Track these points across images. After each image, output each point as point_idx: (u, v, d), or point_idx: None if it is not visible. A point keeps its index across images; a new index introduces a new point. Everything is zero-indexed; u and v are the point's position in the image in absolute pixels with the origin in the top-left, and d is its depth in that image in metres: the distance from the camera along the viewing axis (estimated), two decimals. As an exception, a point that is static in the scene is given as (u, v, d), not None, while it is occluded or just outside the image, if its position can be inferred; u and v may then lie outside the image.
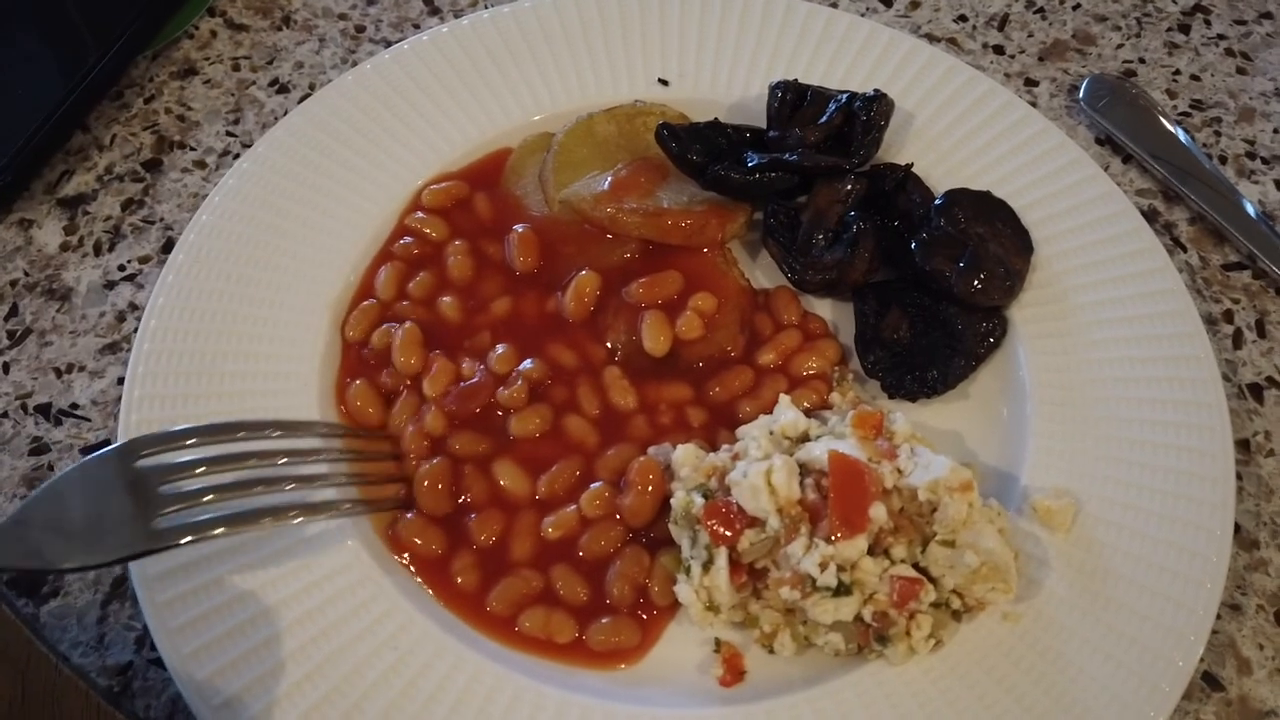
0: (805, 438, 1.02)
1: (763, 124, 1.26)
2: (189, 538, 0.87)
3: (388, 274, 1.16)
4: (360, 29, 1.49)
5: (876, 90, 1.22)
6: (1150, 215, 1.31)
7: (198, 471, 0.90)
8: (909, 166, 1.21)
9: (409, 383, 1.10)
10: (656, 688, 0.95)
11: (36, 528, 0.83)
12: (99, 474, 0.87)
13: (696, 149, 1.19)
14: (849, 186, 1.18)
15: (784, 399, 1.05)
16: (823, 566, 0.90)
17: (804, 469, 0.96)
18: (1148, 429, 1.05)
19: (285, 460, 0.95)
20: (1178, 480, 1.01)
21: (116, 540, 0.85)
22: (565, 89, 1.30)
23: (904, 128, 1.27)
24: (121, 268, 1.23)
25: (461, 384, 1.08)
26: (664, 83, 1.31)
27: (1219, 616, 1.03)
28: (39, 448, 1.10)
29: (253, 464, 0.93)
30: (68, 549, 0.83)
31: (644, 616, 0.98)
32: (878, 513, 0.91)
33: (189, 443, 0.91)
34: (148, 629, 0.93)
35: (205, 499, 0.89)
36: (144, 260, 1.24)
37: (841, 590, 0.90)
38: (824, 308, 1.19)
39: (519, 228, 1.19)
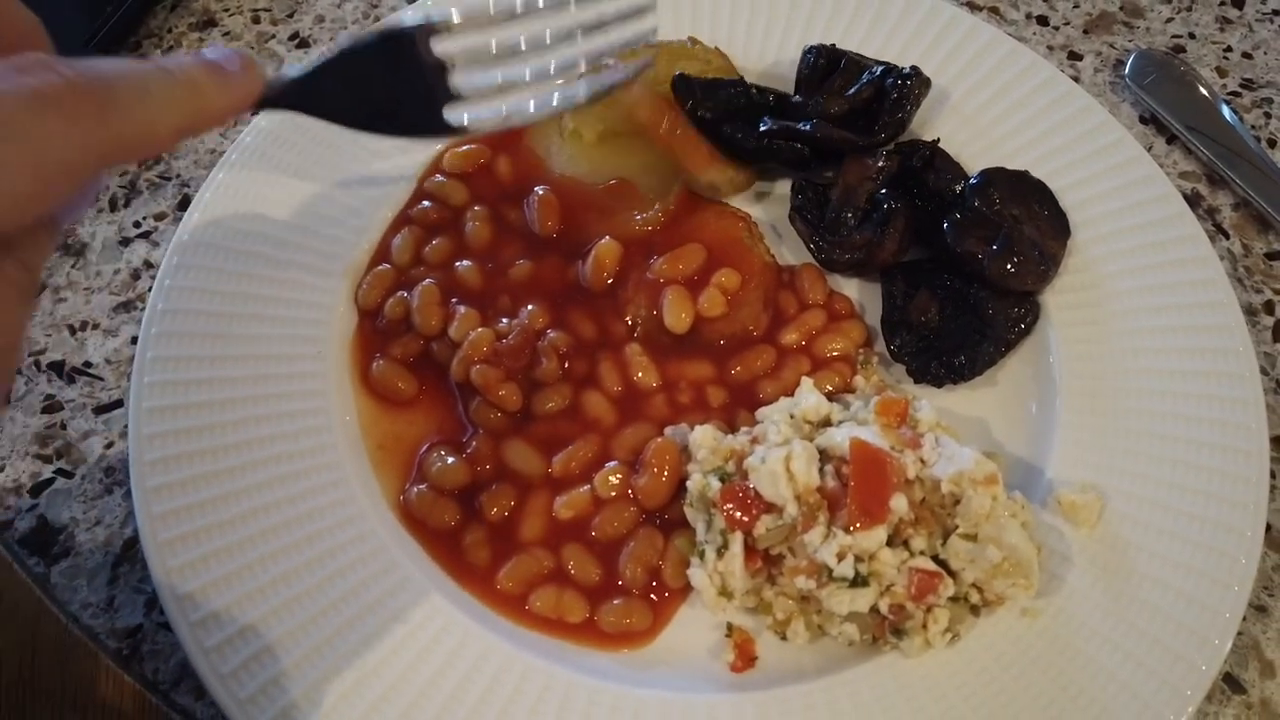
0: (827, 422, 0.99)
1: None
2: (479, 126, 0.88)
3: (404, 239, 1.13)
4: (385, -22, 1.45)
5: (913, 67, 1.18)
6: (1193, 199, 1.27)
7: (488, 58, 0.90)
8: (935, 142, 1.17)
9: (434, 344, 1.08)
10: (667, 671, 0.94)
11: (338, 84, 0.83)
12: (398, 49, 0.86)
13: (709, 105, 1.15)
14: (880, 163, 1.15)
15: (806, 382, 1.03)
16: (840, 557, 0.88)
17: (824, 455, 0.94)
18: (1181, 424, 1.02)
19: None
20: (1209, 478, 0.98)
21: (415, 119, 0.87)
22: (592, 51, 1.26)
23: (941, 101, 1.23)
24: (137, 224, 1.22)
25: (503, 341, 1.05)
26: (694, 43, 1.27)
27: (1244, 618, 1.00)
28: (52, 405, 1.09)
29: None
30: (368, 114, 0.84)
31: (656, 599, 0.97)
32: (898, 504, 0.89)
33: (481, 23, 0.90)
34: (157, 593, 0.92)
35: (497, 92, 0.89)
36: (159, 217, 1.22)
37: (858, 581, 0.88)
38: (850, 287, 1.16)
39: (540, 189, 1.16)
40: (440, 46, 0.88)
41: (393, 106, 0.87)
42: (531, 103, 0.91)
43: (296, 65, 0.85)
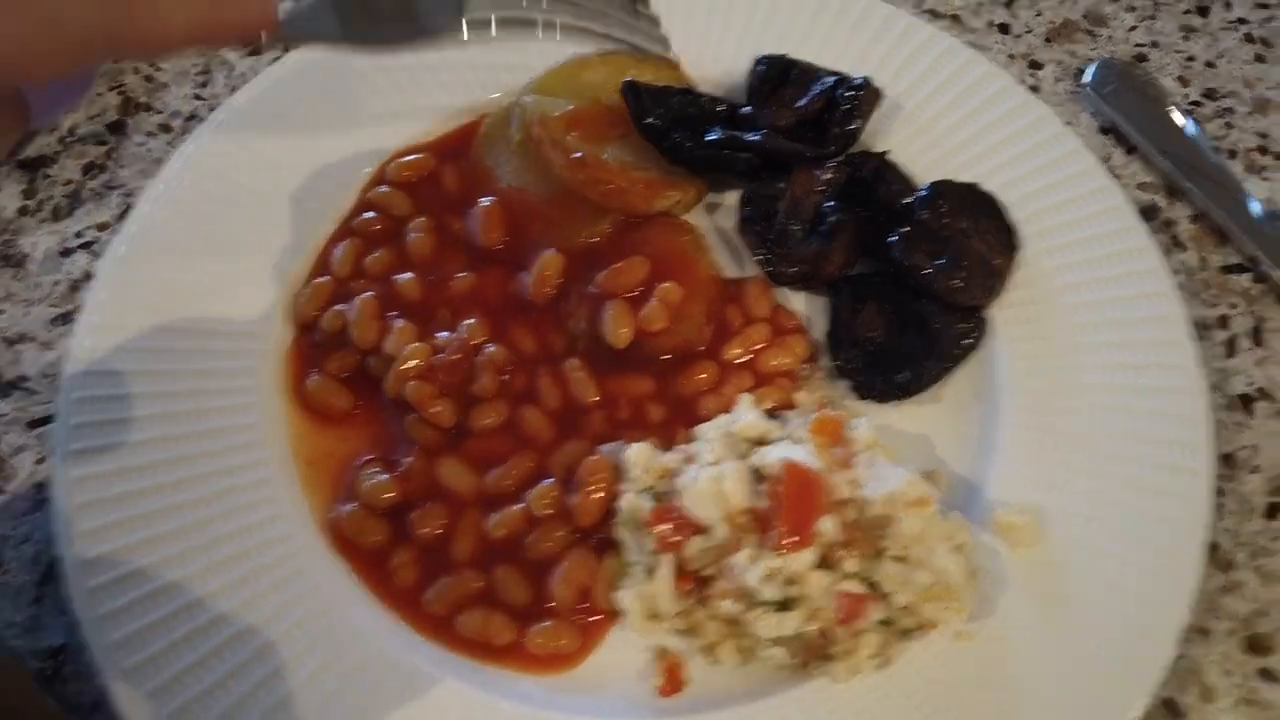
0: (764, 440, 0.98)
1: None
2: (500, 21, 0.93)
3: (345, 250, 1.12)
4: (338, -12, 1.43)
5: (864, 78, 1.16)
6: (1151, 211, 1.25)
7: None
8: (884, 154, 1.15)
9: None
10: (594, 695, 0.92)
11: (345, 6, 0.85)
12: None
13: (659, 113, 1.14)
14: (828, 175, 1.13)
15: (744, 399, 1.01)
16: (767, 580, 0.86)
17: (758, 475, 0.92)
18: (1126, 442, 1.00)
19: None
20: (1152, 498, 0.97)
21: (429, 24, 0.90)
22: (542, 58, 1.24)
23: (894, 112, 1.21)
24: (79, 234, 1.20)
25: (439, 356, 1.04)
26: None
27: (1186, 641, 0.99)
28: (-15, 419, 1.08)
29: None
30: (380, 28, 0.87)
31: (587, 621, 0.95)
32: (827, 526, 0.87)
33: None
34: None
35: None
36: (102, 227, 1.21)
37: (785, 605, 0.87)
38: (799, 301, 1.14)
39: (485, 201, 1.15)
40: None
41: (407, 14, 0.89)
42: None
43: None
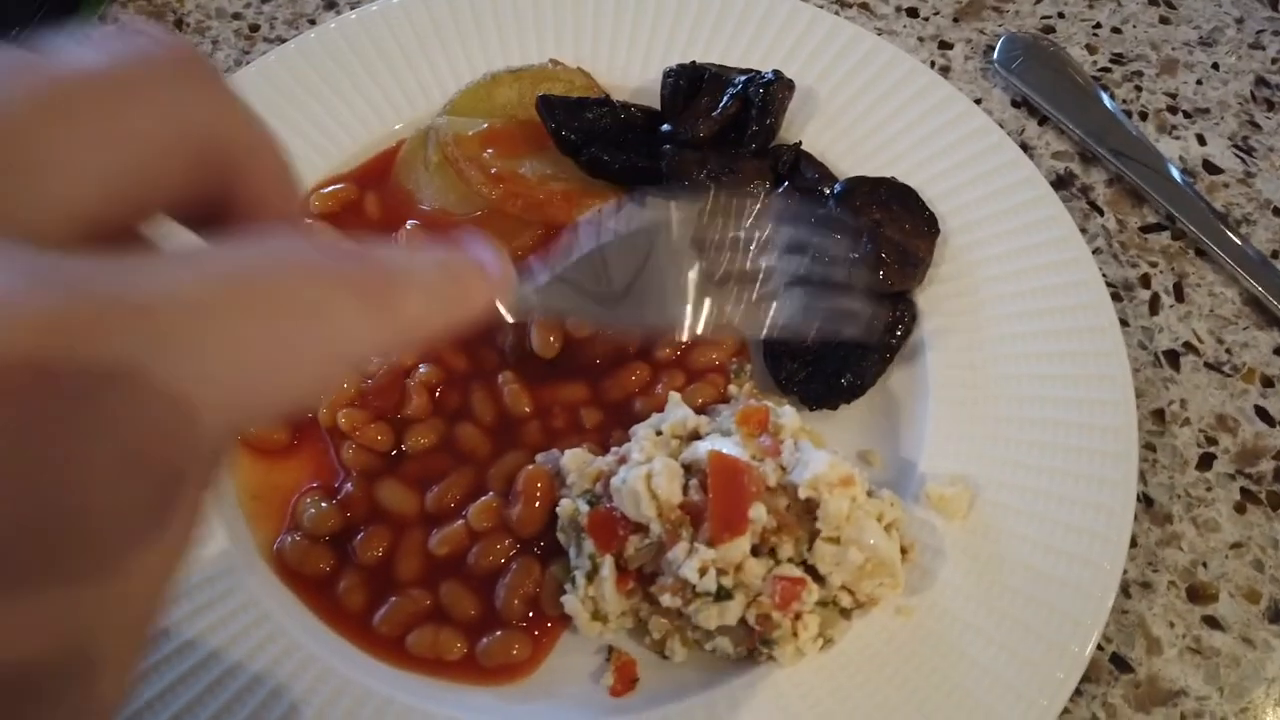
0: (696, 435, 0.99)
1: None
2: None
3: (273, 286, 1.13)
4: (254, 28, 1.45)
5: (775, 72, 1.18)
6: (1067, 179, 1.28)
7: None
8: (798, 144, 1.17)
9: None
10: (548, 701, 0.93)
11: (581, 282, 0.78)
12: (641, 243, 0.81)
13: (575, 126, 1.15)
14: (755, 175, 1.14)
15: (674, 396, 1.02)
16: (702, 571, 0.87)
17: (690, 470, 0.93)
18: (1049, 406, 1.02)
19: None
20: (1079, 459, 0.98)
21: (659, 312, 0.80)
22: (456, 80, 1.26)
23: (809, 105, 1.23)
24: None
25: (370, 382, 1.05)
26: (556, 65, 1.27)
27: (1129, 596, 1.01)
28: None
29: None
30: (612, 309, 0.79)
31: (537, 628, 0.96)
32: (757, 513, 0.88)
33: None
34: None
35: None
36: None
37: (723, 594, 0.88)
38: (726, 296, 1.16)
39: (409, 224, 1.16)
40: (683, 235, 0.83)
41: (640, 299, 0.81)
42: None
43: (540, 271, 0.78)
